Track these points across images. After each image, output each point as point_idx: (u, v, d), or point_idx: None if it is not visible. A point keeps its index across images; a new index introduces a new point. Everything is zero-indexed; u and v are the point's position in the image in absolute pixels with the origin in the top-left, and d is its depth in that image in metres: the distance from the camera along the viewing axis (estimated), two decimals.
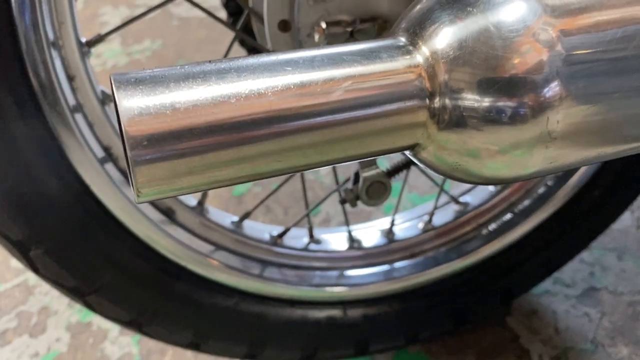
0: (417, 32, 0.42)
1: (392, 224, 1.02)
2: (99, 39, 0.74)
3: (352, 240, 0.99)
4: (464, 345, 1.09)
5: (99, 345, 1.18)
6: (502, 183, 0.44)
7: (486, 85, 0.40)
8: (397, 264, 1.00)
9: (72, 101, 0.72)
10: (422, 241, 1.02)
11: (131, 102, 0.34)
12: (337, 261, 0.97)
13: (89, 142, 0.74)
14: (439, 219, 1.02)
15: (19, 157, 0.67)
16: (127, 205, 0.77)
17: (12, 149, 0.67)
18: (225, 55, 0.86)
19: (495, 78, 0.40)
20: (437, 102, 0.40)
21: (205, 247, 0.86)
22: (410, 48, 0.41)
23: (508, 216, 0.99)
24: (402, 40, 0.42)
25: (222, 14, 1.18)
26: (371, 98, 0.38)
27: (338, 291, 0.94)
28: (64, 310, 1.25)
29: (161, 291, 0.81)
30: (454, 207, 1.03)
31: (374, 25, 0.73)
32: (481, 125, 0.40)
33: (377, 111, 0.39)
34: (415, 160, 0.44)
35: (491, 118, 0.39)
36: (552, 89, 0.40)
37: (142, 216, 0.79)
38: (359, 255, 0.99)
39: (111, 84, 0.35)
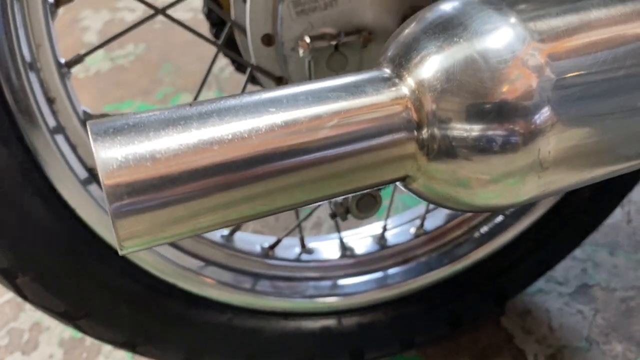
0: (402, 62, 0.41)
1: (384, 229, 1.01)
2: (78, 59, 0.72)
3: (344, 248, 0.99)
4: (459, 347, 1.09)
5: None
6: (494, 211, 0.43)
7: (475, 115, 0.39)
8: (390, 271, 1.00)
9: (52, 124, 0.71)
10: (415, 246, 1.01)
11: (109, 154, 0.32)
12: (330, 270, 0.96)
13: (71, 165, 0.72)
14: (431, 223, 1.02)
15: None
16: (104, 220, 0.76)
17: None
18: (209, 69, 0.85)
19: (484, 107, 0.39)
20: (424, 133, 0.39)
21: (195, 264, 0.85)
22: (396, 80, 0.40)
23: (499, 218, 0.99)
24: (387, 71, 0.41)
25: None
26: (358, 133, 0.38)
27: (332, 301, 0.93)
28: (56, 326, 1.23)
29: (153, 311, 0.80)
30: (445, 211, 1.02)
31: (359, 38, 0.71)
32: (471, 155, 0.39)
33: (364, 146, 0.38)
34: (406, 190, 0.43)
35: (481, 147, 0.39)
36: (543, 115, 0.39)
37: None
38: (352, 263, 0.98)
39: (88, 133, 0.34)
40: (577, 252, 1.18)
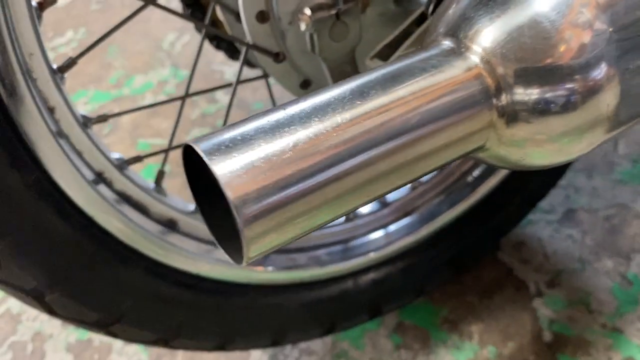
0: (462, 33, 0.41)
1: None
2: (71, 63, 0.69)
3: None
4: (464, 287, 1.14)
5: None
6: (565, 163, 0.45)
7: (550, 73, 0.40)
8: (394, 226, 1.02)
9: (57, 133, 0.68)
10: (413, 199, 1.04)
11: (229, 169, 0.33)
12: (338, 235, 0.98)
13: (81, 171, 0.70)
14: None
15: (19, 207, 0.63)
16: (132, 227, 0.74)
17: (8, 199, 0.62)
18: (198, 53, 0.83)
19: (556, 64, 0.40)
20: (503, 99, 0.41)
21: (215, 251, 0.85)
22: (462, 50, 0.41)
23: None
24: (449, 44, 0.42)
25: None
26: (442, 109, 0.39)
27: (347, 265, 0.95)
28: (59, 332, 1.21)
29: (183, 304, 0.80)
30: None
31: (358, 4, 0.71)
32: (549, 115, 0.41)
33: (449, 121, 0.39)
34: (479, 160, 0.45)
35: (561, 105, 0.40)
36: (604, 70, 0.41)
37: (148, 234, 0.76)
38: (358, 225, 1.00)
39: (190, 152, 0.34)
40: None
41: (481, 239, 1.07)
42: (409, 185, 1.04)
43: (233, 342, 0.87)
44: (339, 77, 0.74)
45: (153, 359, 1.14)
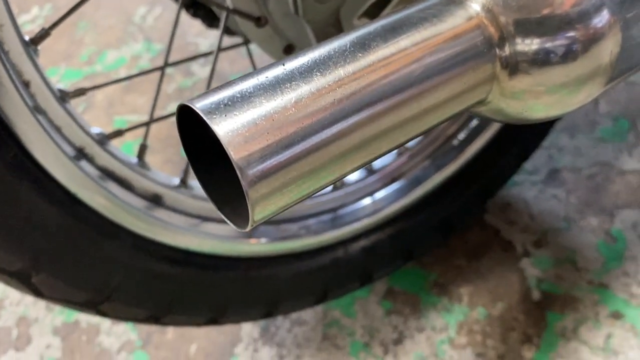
0: None
1: None
2: (44, 34, 0.66)
3: None
4: (452, 250, 1.14)
5: (95, 341, 1.14)
6: (564, 114, 0.44)
7: (553, 21, 0.39)
8: (382, 192, 1.02)
9: (34, 108, 0.65)
10: (400, 165, 1.03)
11: (230, 128, 0.32)
12: (327, 204, 0.97)
13: (61, 147, 0.67)
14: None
15: None
16: (116, 203, 0.72)
17: None
18: (176, 22, 0.80)
19: (558, 12, 0.39)
20: (506, 50, 0.39)
21: (202, 224, 0.83)
22: (465, 0, 0.40)
23: (474, 123, 1.02)
24: None
25: None
26: (446, 60, 0.37)
27: (337, 233, 0.94)
28: (44, 315, 1.19)
29: (173, 280, 0.79)
30: None
31: None
32: (551, 65, 0.40)
33: (453, 73, 0.37)
34: (477, 115, 0.44)
35: (563, 54, 0.39)
36: (605, 18, 0.40)
37: (133, 210, 0.74)
38: (346, 193, 0.99)
39: (185, 113, 0.32)
40: None
41: (468, 202, 1.07)
42: (395, 151, 1.03)
43: (225, 315, 0.86)
44: (324, 39, 0.72)
45: (143, 337, 1.13)
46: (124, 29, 1.62)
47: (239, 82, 0.34)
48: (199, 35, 1.54)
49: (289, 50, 0.77)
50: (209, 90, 0.34)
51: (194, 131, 0.36)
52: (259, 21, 0.74)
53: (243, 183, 0.31)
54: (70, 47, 1.61)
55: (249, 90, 0.33)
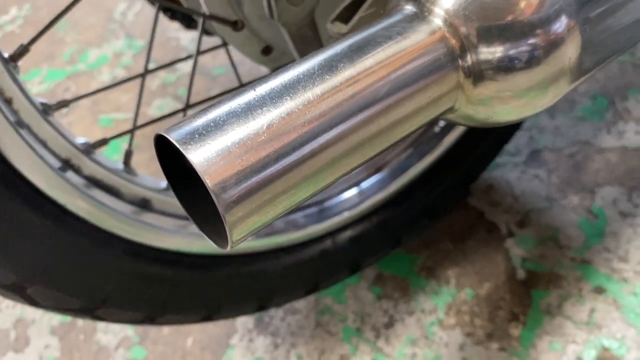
0: None
1: None
2: (23, 50, 0.67)
3: None
4: (438, 234, 1.17)
5: (92, 339, 1.17)
6: (523, 120, 0.46)
7: (513, 29, 0.41)
8: (366, 183, 1.04)
9: (17, 124, 0.66)
10: (383, 154, 1.05)
11: (204, 157, 0.34)
12: (313, 197, 0.99)
13: (47, 160, 0.68)
14: None
15: None
16: (105, 211, 0.74)
17: None
18: (153, 30, 0.81)
19: (517, 21, 0.41)
20: (468, 60, 0.41)
21: (191, 226, 0.85)
22: (424, 14, 0.41)
23: None
24: (410, 9, 0.42)
25: None
26: (410, 75, 0.39)
27: (324, 225, 0.96)
28: (41, 316, 1.21)
29: (165, 281, 0.81)
30: None
31: None
32: (514, 71, 0.41)
33: (418, 86, 0.39)
34: (448, 121, 0.45)
35: (525, 61, 0.41)
36: (564, 23, 0.42)
37: (122, 216, 0.76)
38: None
39: (162, 140, 0.33)
40: None
41: (452, 187, 1.09)
42: None
43: (219, 312, 0.89)
44: (300, 41, 0.74)
45: (140, 333, 1.15)
46: (104, 27, 1.62)
47: (213, 110, 0.35)
48: (179, 30, 1.54)
49: (267, 51, 0.78)
50: (185, 118, 0.35)
51: (171, 154, 0.38)
52: (235, 25, 0.75)
53: (220, 208, 0.33)
54: (51, 47, 1.61)
55: (222, 118, 0.34)
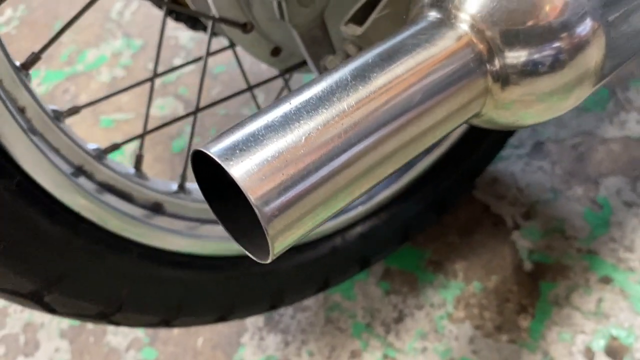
0: (449, 2, 0.41)
1: None
2: (35, 58, 0.66)
3: None
4: (444, 228, 1.18)
5: (102, 341, 1.17)
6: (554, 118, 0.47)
7: (538, 32, 0.41)
8: None
9: (31, 132, 0.66)
10: None
11: (246, 171, 0.34)
12: None
13: (61, 168, 0.68)
14: None
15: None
16: (119, 217, 0.74)
17: None
18: (162, 33, 0.80)
19: (543, 24, 0.41)
20: (496, 64, 0.41)
21: (202, 227, 0.85)
22: (451, 20, 0.41)
23: None
24: (435, 16, 0.42)
25: None
26: (441, 82, 0.39)
27: (333, 223, 0.97)
28: (50, 319, 1.21)
29: (180, 284, 0.81)
30: None
31: None
32: (541, 74, 0.42)
33: (449, 92, 0.39)
34: (472, 125, 0.46)
35: (551, 63, 0.41)
36: (589, 24, 0.42)
37: (136, 221, 0.76)
38: None
39: (199, 155, 0.34)
40: None
41: (458, 181, 1.10)
42: None
43: (233, 312, 0.89)
44: (310, 42, 0.74)
45: (150, 334, 1.15)
46: (102, 26, 1.61)
47: (250, 124, 0.36)
48: (177, 29, 1.53)
49: (277, 52, 0.78)
50: (223, 133, 0.35)
51: (208, 168, 0.38)
52: (245, 27, 0.75)
53: (262, 221, 0.33)
54: (49, 48, 1.59)
55: (261, 132, 0.35)
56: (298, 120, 0.35)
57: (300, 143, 0.35)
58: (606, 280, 1.05)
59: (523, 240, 1.13)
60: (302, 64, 0.84)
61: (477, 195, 1.20)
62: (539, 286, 1.07)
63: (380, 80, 0.38)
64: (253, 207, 0.33)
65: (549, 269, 1.08)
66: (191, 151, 0.36)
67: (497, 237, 1.15)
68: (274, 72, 0.91)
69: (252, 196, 0.33)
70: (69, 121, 0.75)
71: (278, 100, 0.37)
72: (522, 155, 1.22)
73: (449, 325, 1.06)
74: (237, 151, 0.34)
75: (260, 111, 0.36)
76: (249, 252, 0.38)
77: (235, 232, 0.39)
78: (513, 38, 0.41)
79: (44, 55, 0.71)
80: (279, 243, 0.35)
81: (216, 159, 0.33)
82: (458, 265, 1.13)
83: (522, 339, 1.02)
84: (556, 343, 1.00)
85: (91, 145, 0.74)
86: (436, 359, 1.02)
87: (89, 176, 0.74)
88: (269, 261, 0.37)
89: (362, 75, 0.37)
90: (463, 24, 0.41)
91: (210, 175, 0.38)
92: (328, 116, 0.36)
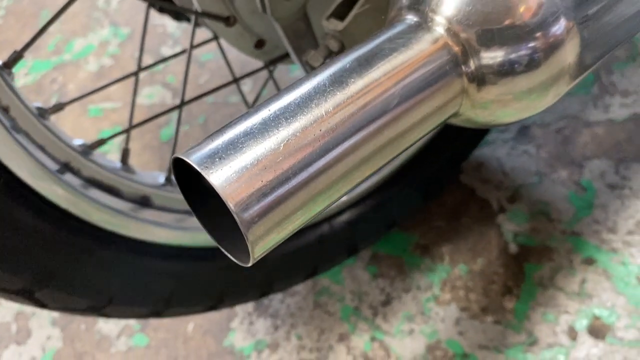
0: (425, 5, 0.42)
1: None
2: (18, 56, 0.66)
3: None
4: (431, 213, 1.19)
5: (94, 328, 1.18)
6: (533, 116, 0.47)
7: (513, 33, 0.42)
8: None
9: (16, 132, 0.66)
10: None
11: (225, 178, 0.35)
12: None
13: (47, 165, 0.69)
14: None
15: None
16: (107, 212, 0.74)
17: None
18: (145, 26, 0.80)
19: (517, 24, 0.42)
20: (471, 65, 0.42)
21: (191, 219, 0.86)
22: (427, 22, 0.42)
23: None
24: (412, 19, 0.43)
25: None
26: (417, 85, 0.40)
27: None
28: None
29: (170, 276, 0.82)
30: None
31: None
32: (516, 74, 0.42)
33: (425, 95, 0.40)
34: (451, 124, 0.47)
35: (527, 62, 0.42)
36: (562, 23, 0.43)
37: (124, 215, 0.76)
38: None
39: (180, 161, 0.34)
40: None
41: (445, 166, 1.11)
42: None
43: (223, 301, 0.90)
44: (293, 35, 0.74)
45: (141, 321, 1.17)
46: (88, 15, 1.59)
47: (230, 131, 0.36)
48: (165, 17, 1.52)
49: (260, 45, 0.78)
50: (203, 140, 0.36)
51: (188, 172, 0.39)
52: (227, 21, 0.75)
53: (242, 228, 0.34)
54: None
55: (240, 140, 0.35)
56: (277, 127, 0.36)
57: (279, 150, 0.36)
58: (589, 262, 1.07)
59: (508, 223, 1.14)
60: (287, 56, 0.85)
61: (464, 180, 1.21)
62: (524, 268, 1.09)
63: (357, 85, 0.38)
64: (233, 214, 0.34)
65: (533, 251, 1.10)
66: (172, 157, 0.36)
67: (482, 221, 1.16)
68: (259, 62, 0.91)
69: (232, 203, 0.34)
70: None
71: (258, 106, 0.38)
72: (507, 139, 1.24)
73: (436, 308, 1.08)
74: (217, 159, 0.34)
75: (240, 117, 0.37)
76: (231, 255, 0.39)
77: (218, 234, 0.40)
78: (488, 39, 0.42)
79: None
80: (259, 247, 0.36)
81: (196, 167, 0.34)
82: (444, 248, 1.15)
83: (507, 320, 1.04)
84: (540, 323, 1.02)
85: (77, 141, 0.75)
86: (423, 340, 1.04)
87: (76, 172, 0.74)
88: (249, 264, 0.38)
89: (339, 81, 0.38)
90: (439, 27, 0.42)
91: (191, 179, 0.39)
92: (306, 122, 0.36)
